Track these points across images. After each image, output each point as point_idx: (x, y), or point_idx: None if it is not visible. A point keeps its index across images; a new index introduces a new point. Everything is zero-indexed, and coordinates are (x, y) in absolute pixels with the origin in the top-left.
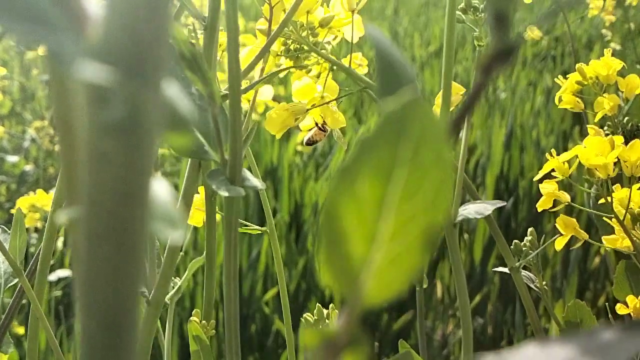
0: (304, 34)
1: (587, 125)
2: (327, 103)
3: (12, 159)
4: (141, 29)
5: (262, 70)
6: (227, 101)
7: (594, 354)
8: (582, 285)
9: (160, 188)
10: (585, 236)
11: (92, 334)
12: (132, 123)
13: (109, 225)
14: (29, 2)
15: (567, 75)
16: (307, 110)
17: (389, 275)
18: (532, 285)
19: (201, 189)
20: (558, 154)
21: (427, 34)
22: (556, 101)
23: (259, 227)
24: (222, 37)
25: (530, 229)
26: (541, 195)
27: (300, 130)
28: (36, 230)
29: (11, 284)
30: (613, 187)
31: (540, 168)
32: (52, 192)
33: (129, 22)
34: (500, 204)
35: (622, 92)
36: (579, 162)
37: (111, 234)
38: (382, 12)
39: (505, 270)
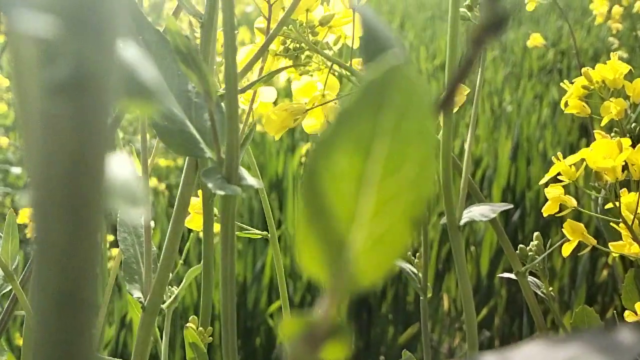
0: (304, 33)
1: (595, 131)
2: (329, 102)
3: (16, 170)
4: None
5: (261, 69)
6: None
7: (599, 352)
8: (590, 297)
9: (123, 163)
10: (594, 242)
11: (44, 314)
12: (81, 83)
13: (59, 196)
14: None
15: (573, 80)
16: (307, 110)
17: (372, 257)
18: (538, 292)
19: (199, 192)
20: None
21: (433, 47)
22: (562, 106)
23: (260, 232)
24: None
25: (536, 234)
26: None
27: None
28: None
29: (5, 290)
30: (621, 191)
31: None
32: None
33: None
34: (506, 206)
35: (629, 96)
36: (585, 168)
37: (62, 205)
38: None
39: (511, 276)
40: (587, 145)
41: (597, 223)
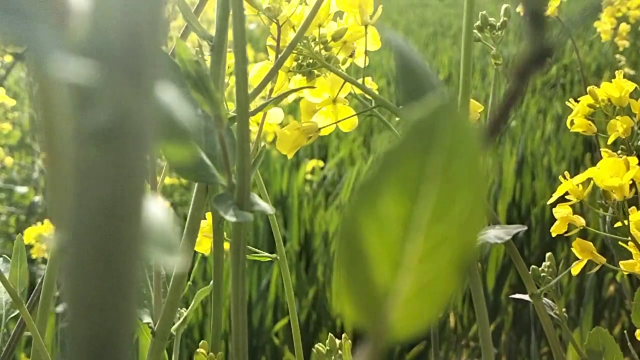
0: (317, 48)
1: (601, 149)
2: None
3: (21, 189)
4: (132, 23)
5: (271, 91)
6: (235, 123)
7: None
8: (597, 313)
9: (157, 209)
10: (603, 260)
11: None
12: (121, 129)
13: (96, 245)
14: None
15: (579, 99)
16: (319, 129)
17: (416, 305)
18: (551, 313)
19: (208, 215)
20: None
21: (435, 62)
22: (568, 124)
23: (269, 254)
24: (230, 59)
25: (548, 254)
26: (553, 222)
27: (309, 159)
28: (44, 260)
29: (12, 315)
30: (629, 209)
31: (551, 195)
32: None
33: (119, 15)
34: (520, 228)
35: (635, 114)
36: (592, 186)
37: (99, 255)
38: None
39: (525, 297)
40: (592, 160)
41: (605, 239)
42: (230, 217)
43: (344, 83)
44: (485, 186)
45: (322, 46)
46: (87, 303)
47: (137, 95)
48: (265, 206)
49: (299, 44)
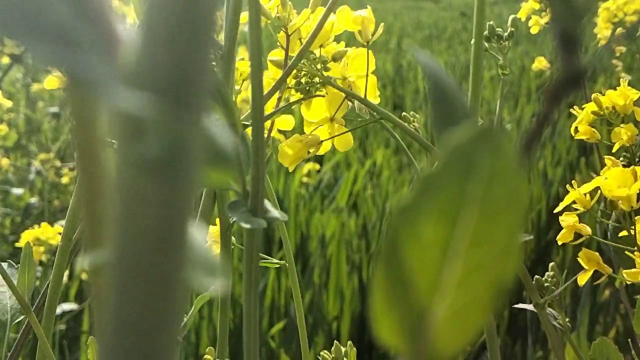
0: (318, 66)
1: (605, 157)
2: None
3: (17, 191)
4: (181, 53)
5: (280, 99)
6: (246, 130)
7: None
8: (592, 317)
9: (196, 232)
10: (609, 270)
11: None
12: (172, 159)
13: (142, 272)
14: (54, 21)
15: (583, 106)
16: (321, 142)
17: (453, 328)
18: (554, 323)
19: (217, 221)
20: (565, 185)
21: None
22: (572, 132)
23: (278, 261)
24: (241, 66)
25: (551, 264)
26: (549, 227)
27: (305, 163)
28: (40, 263)
29: (18, 320)
30: (635, 218)
31: (547, 199)
32: (57, 225)
33: (168, 46)
34: (527, 237)
35: (637, 121)
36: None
37: (145, 282)
38: (385, 45)
39: (530, 307)
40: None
41: (600, 244)
42: (245, 224)
43: (343, 100)
44: (526, 212)
45: (321, 66)
46: (131, 328)
47: (186, 125)
48: (278, 213)
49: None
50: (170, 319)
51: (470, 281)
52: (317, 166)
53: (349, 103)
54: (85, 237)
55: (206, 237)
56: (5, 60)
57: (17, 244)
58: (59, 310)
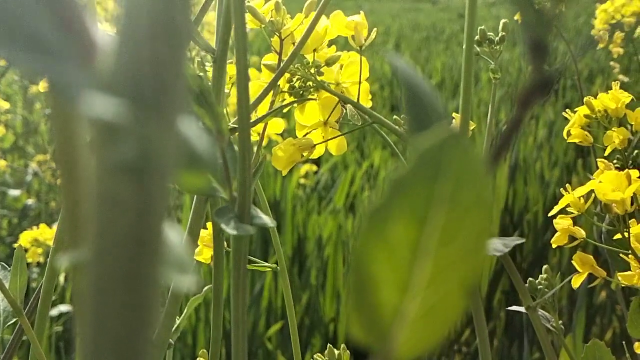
0: (312, 71)
1: (597, 160)
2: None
3: (14, 192)
4: (157, 59)
5: (272, 103)
6: (235, 135)
7: None
8: (588, 319)
9: (170, 231)
10: (603, 274)
11: None
12: (146, 164)
13: (119, 273)
14: (30, 29)
15: (575, 109)
16: (314, 145)
17: (423, 327)
18: (548, 325)
19: (209, 225)
20: (562, 187)
21: (428, 67)
22: (565, 135)
23: (269, 265)
24: (231, 71)
25: (545, 267)
26: (546, 229)
27: (303, 164)
28: (38, 264)
29: (10, 322)
30: (629, 221)
31: (544, 201)
32: (55, 226)
33: (144, 52)
34: (518, 240)
35: (631, 124)
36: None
37: (121, 283)
38: (383, 47)
39: (521, 309)
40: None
41: (600, 247)
42: (231, 230)
43: (336, 104)
44: (492, 212)
45: (315, 70)
46: (108, 326)
47: (161, 130)
48: (266, 219)
49: (292, 66)
50: (147, 318)
51: (440, 280)
52: (315, 167)
53: (343, 109)
54: (65, 238)
55: (179, 236)
56: (2, 62)
57: (15, 245)
58: (55, 312)
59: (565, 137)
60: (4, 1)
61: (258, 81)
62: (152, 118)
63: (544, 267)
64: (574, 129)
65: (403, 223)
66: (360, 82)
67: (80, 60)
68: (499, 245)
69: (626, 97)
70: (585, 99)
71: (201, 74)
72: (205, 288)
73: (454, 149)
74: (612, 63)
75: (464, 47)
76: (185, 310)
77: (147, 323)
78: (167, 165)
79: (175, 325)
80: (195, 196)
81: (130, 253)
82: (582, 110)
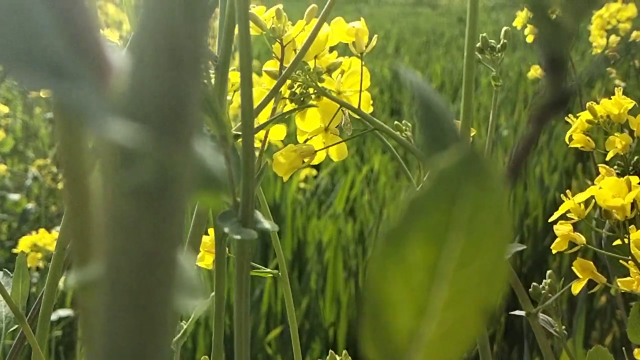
0: (312, 77)
1: (599, 165)
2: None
3: (13, 197)
4: (172, 82)
5: (274, 110)
6: (238, 141)
7: None
8: (589, 323)
9: (183, 257)
10: (603, 280)
11: None
12: (162, 187)
13: (132, 296)
14: (42, 46)
15: (578, 114)
16: (316, 151)
17: (439, 350)
18: (551, 330)
19: (211, 230)
20: (562, 192)
21: (428, 71)
22: (567, 140)
23: (271, 271)
24: (233, 77)
25: (549, 272)
26: (546, 233)
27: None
28: (38, 269)
29: (12, 328)
30: (629, 227)
31: (544, 206)
32: (55, 231)
33: (159, 75)
34: (519, 247)
35: (631, 130)
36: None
37: (134, 305)
38: (383, 51)
39: (522, 314)
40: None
41: (600, 253)
42: (235, 235)
43: (337, 111)
44: (511, 235)
45: (316, 76)
46: (120, 349)
47: (176, 154)
48: (269, 224)
49: (293, 73)
50: (159, 340)
51: (457, 304)
52: (314, 172)
53: (344, 116)
54: (73, 254)
55: (192, 262)
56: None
57: (14, 250)
58: (55, 317)
59: (568, 142)
60: (20, 21)
61: (260, 87)
62: (167, 142)
63: (548, 272)
64: (576, 134)
65: (421, 245)
66: (360, 90)
67: (94, 82)
68: None
69: (629, 103)
70: (587, 104)
71: (205, 80)
72: (212, 295)
73: (473, 170)
74: (609, 69)
75: (464, 54)
76: (192, 317)
77: (160, 346)
78: (182, 188)
79: (182, 331)
80: (197, 203)
81: (144, 276)
82: (585, 115)
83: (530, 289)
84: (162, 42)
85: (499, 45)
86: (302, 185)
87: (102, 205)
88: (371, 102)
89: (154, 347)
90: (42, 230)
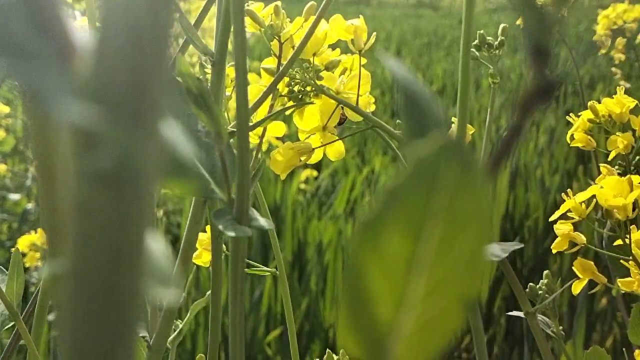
0: (310, 75)
1: (600, 165)
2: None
3: (14, 197)
4: (137, 65)
5: (272, 107)
6: (234, 138)
7: None
8: (589, 325)
9: (153, 242)
10: (604, 280)
11: None
12: (126, 171)
13: (97, 284)
14: (6, 29)
15: (579, 114)
16: (313, 149)
17: (420, 341)
18: (548, 331)
19: (208, 228)
20: (563, 193)
21: (429, 73)
22: (568, 139)
23: (268, 269)
24: (231, 73)
25: (546, 272)
26: (546, 235)
27: (303, 169)
28: (37, 269)
29: (7, 326)
30: (630, 227)
31: (545, 207)
32: None
33: (123, 57)
34: (517, 246)
35: (633, 129)
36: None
37: (100, 294)
38: (384, 52)
39: (521, 315)
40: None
41: (601, 253)
42: (229, 232)
43: (335, 109)
44: (489, 223)
45: (314, 74)
46: (88, 336)
47: (141, 137)
48: (263, 222)
49: (291, 70)
50: (126, 329)
51: (437, 294)
52: (315, 173)
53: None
54: (46, 246)
55: (163, 247)
56: None
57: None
58: (53, 317)
59: (569, 142)
60: None
61: (257, 85)
62: (131, 125)
63: (545, 272)
64: (578, 133)
65: (398, 235)
66: (359, 88)
67: (57, 63)
68: (497, 251)
69: (631, 102)
70: (589, 103)
71: (201, 76)
72: (208, 293)
73: (451, 158)
74: (613, 69)
75: (460, 51)
76: (188, 315)
77: (127, 334)
78: (148, 173)
79: (178, 330)
80: (193, 200)
81: (109, 263)
82: (586, 114)
83: (528, 289)
84: (126, 23)
85: (496, 43)
86: (302, 186)
87: (69, 191)
88: (373, 101)
89: (120, 332)
90: (40, 230)
